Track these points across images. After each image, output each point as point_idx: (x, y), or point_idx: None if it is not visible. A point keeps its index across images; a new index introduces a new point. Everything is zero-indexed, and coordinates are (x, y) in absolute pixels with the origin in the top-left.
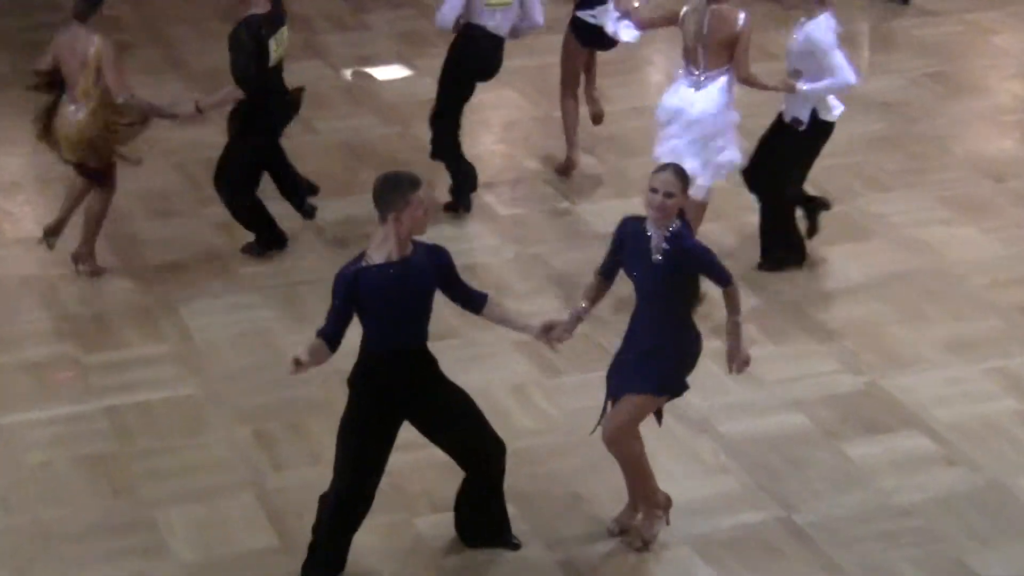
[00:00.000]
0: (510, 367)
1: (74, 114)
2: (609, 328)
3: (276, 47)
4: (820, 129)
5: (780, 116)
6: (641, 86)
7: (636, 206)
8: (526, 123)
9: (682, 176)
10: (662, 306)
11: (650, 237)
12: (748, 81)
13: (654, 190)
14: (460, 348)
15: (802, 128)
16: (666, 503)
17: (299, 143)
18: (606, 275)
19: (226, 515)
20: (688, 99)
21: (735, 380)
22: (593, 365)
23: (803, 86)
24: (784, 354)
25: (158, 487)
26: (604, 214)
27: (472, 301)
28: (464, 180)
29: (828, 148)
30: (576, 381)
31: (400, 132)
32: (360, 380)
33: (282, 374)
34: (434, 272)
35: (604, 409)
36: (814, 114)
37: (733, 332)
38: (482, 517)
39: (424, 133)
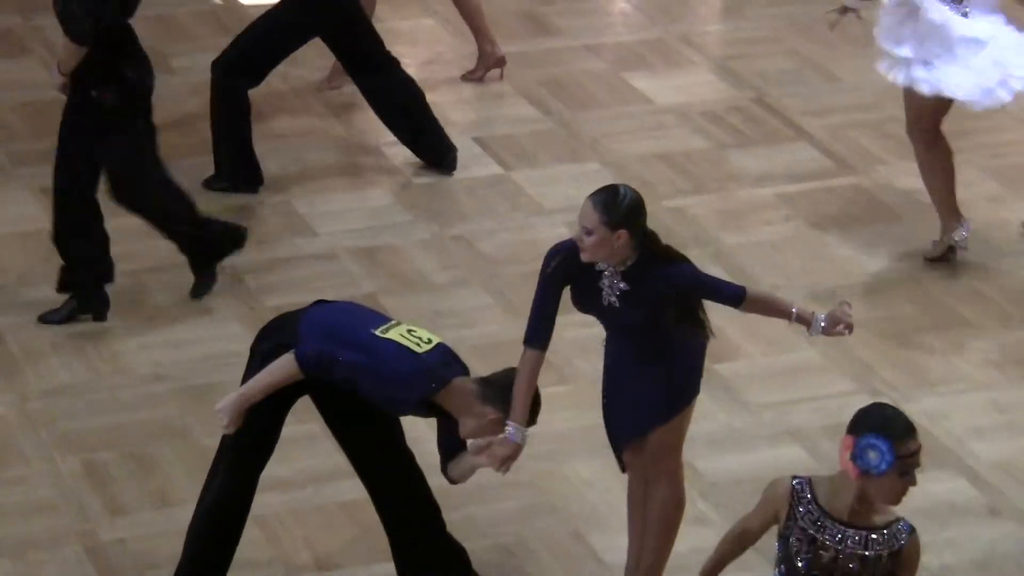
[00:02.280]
0: None
1: None
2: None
3: None
4: None
5: None
6: (598, 16)
7: (589, 173)
8: (450, 61)
9: (606, 207)
10: (644, 340)
11: (600, 273)
12: None
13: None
14: None
15: None
16: None
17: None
18: (541, 344)
19: (44, 573)
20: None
21: (717, 404)
22: None
23: None
24: (778, 369)
25: None
26: (548, 182)
27: None
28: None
29: (841, 101)
30: None
31: (282, 71)
32: None
33: (122, 389)
34: None
35: (622, 463)
36: None
37: (802, 318)
38: None
39: (312, 70)
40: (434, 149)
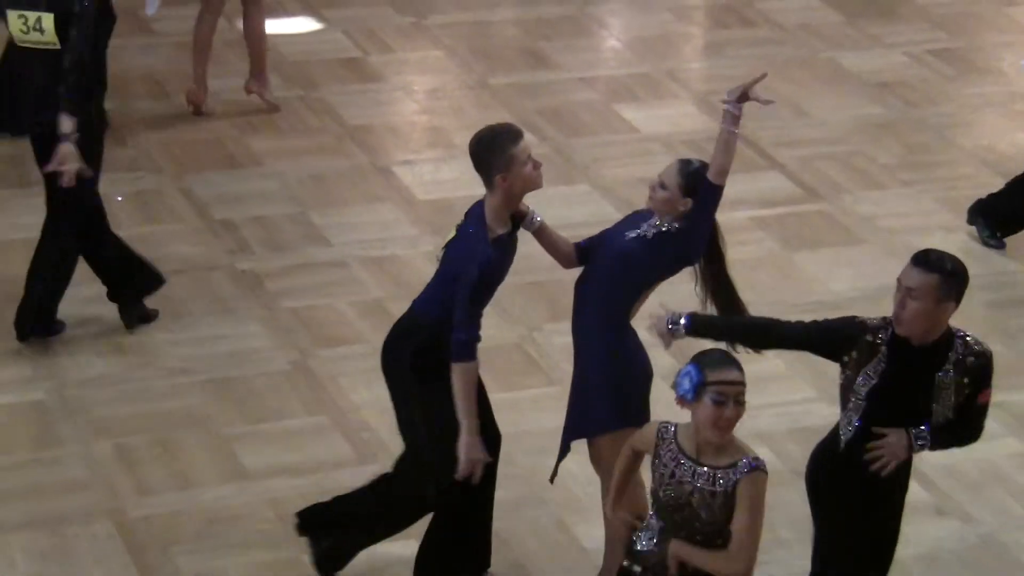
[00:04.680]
0: None
1: None
2: (544, 339)
3: (24, 28)
4: None
5: None
6: (591, 52)
7: (582, 194)
8: (456, 90)
9: (689, 176)
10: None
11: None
12: None
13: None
14: (366, 357)
15: None
16: None
17: (182, 106)
18: None
19: (77, 546)
20: None
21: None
22: (521, 382)
23: None
24: (748, 377)
25: None
26: (544, 202)
27: None
28: None
29: (811, 135)
30: (505, 400)
31: (301, 94)
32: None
33: (151, 380)
34: None
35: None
36: None
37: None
38: None
39: (329, 93)
40: None
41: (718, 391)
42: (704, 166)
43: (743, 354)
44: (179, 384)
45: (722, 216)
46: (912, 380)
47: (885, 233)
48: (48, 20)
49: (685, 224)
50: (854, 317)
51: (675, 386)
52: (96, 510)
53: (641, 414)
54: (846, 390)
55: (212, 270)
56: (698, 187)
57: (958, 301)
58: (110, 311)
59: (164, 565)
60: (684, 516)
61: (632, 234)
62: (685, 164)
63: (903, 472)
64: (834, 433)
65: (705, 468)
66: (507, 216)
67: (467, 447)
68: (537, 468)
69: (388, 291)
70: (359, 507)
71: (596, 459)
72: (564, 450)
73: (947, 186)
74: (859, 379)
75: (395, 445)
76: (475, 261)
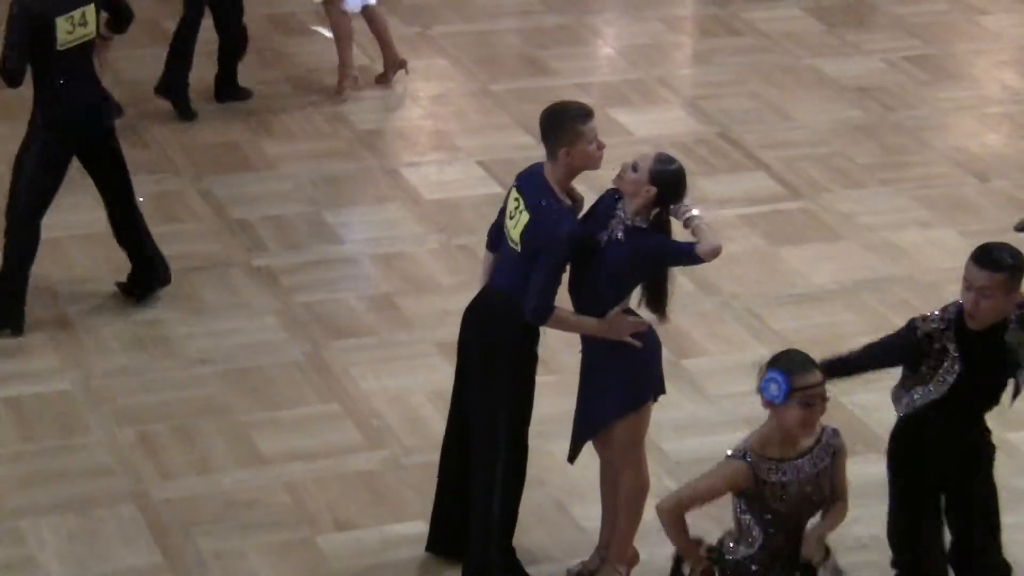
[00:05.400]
0: (431, 371)
1: None
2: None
3: (70, 28)
4: None
5: None
6: (587, 60)
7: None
8: (459, 96)
9: (659, 162)
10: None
11: (614, 214)
12: None
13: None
14: (376, 348)
15: None
16: (632, 559)
17: (200, 111)
18: None
19: (104, 528)
20: None
21: (682, 395)
22: None
23: None
24: (736, 365)
25: (27, 494)
26: None
27: None
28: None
29: (794, 137)
30: None
31: (316, 100)
32: (533, 335)
33: (172, 371)
34: None
35: (573, 454)
36: None
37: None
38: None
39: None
40: None
41: (807, 395)
42: (680, 171)
43: (732, 342)
44: (198, 374)
45: (710, 214)
46: (987, 357)
47: (864, 229)
48: (91, 11)
49: (653, 235)
50: (912, 326)
51: (760, 391)
52: (121, 494)
53: (648, 392)
54: (923, 381)
55: (229, 267)
56: (666, 186)
57: (1019, 286)
58: (132, 306)
59: (185, 545)
60: (803, 510)
61: (604, 237)
62: (665, 159)
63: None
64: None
65: (800, 459)
66: (568, 188)
67: (617, 325)
68: (536, 452)
69: (396, 286)
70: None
71: (605, 443)
72: (580, 441)
73: (922, 185)
74: (939, 375)
75: (400, 430)
76: (562, 231)
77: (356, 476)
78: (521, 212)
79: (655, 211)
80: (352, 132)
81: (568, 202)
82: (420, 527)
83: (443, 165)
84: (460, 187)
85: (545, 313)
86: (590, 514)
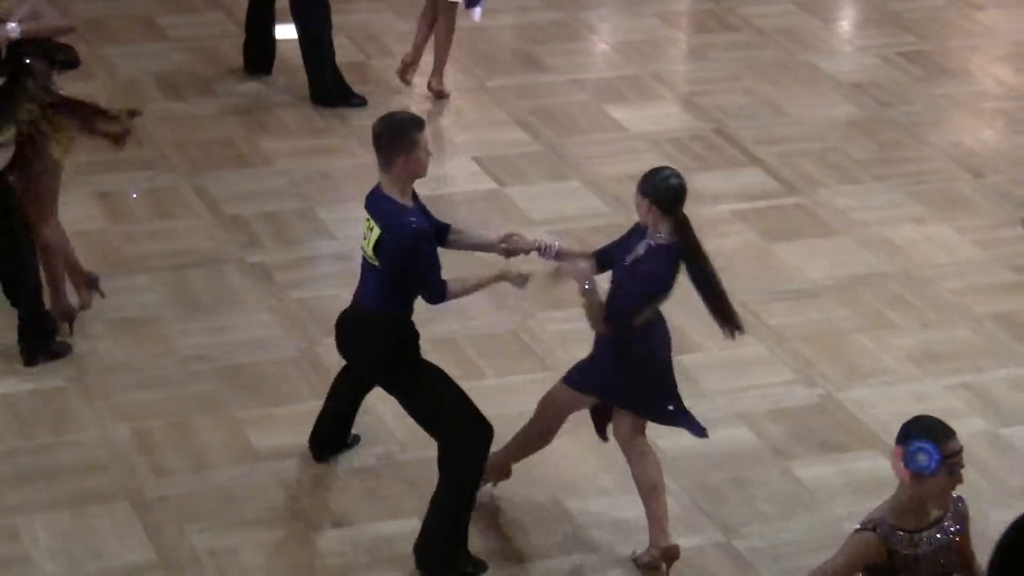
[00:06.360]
0: None
1: None
2: (539, 327)
3: None
4: None
5: None
6: (582, 56)
7: (573, 189)
8: (456, 94)
9: (644, 175)
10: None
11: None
12: None
13: None
14: None
15: None
16: (672, 553)
17: (195, 108)
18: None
19: (98, 525)
20: None
21: (679, 390)
22: (516, 367)
23: None
24: (730, 361)
25: (21, 491)
26: (536, 197)
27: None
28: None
29: (789, 133)
30: (499, 384)
31: (308, 97)
32: (407, 344)
33: (166, 367)
34: None
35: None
36: None
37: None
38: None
39: None
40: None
41: (954, 462)
42: (672, 175)
43: (728, 339)
44: (193, 371)
45: (706, 210)
46: None
47: (859, 225)
48: None
49: (652, 264)
50: None
51: (908, 463)
52: (115, 490)
53: (650, 412)
54: None
55: (224, 263)
56: (657, 191)
57: None
58: (127, 303)
59: (180, 542)
60: None
61: (629, 258)
62: (650, 171)
63: None
64: None
65: (934, 528)
66: (410, 195)
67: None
68: None
69: None
70: (437, 506)
71: (618, 432)
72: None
73: (917, 180)
74: None
75: (394, 426)
76: (414, 235)
77: (351, 474)
78: (372, 229)
79: (668, 221)
80: (347, 128)
81: (411, 204)
82: (415, 523)
83: (439, 161)
84: (455, 183)
85: (442, 294)
86: (583, 508)
